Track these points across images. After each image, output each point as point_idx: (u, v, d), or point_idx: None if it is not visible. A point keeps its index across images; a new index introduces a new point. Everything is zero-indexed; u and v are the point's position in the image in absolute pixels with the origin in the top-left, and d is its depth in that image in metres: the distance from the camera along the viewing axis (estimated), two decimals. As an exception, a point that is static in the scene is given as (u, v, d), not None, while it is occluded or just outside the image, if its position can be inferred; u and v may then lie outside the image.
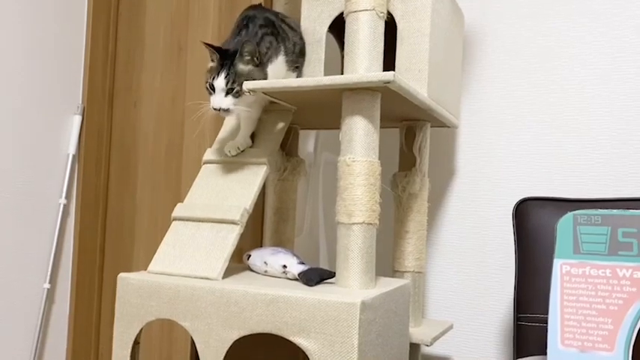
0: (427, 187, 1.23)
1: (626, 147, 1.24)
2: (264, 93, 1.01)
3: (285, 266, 1.01)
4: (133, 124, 1.89)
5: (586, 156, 1.27)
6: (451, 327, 1.29)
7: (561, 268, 0.73)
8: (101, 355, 1.98)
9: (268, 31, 1.07)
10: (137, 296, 0.96)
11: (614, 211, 0.71)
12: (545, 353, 0.78)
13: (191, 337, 1.18)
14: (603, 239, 0.71)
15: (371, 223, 0.94)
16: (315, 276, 0.96)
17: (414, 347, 1.17)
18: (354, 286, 0.91)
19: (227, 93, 1.00)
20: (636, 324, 0.68)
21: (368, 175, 0.93)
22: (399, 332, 0.99)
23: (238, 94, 1.01)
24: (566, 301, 0.71)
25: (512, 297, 1.06)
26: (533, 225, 1.04)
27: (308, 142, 1.53)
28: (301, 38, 1.14)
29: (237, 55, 1.00)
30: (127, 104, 1.91)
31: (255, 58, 1.01)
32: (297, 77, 1.12)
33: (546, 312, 0.88)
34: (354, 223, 0.93)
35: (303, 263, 1.01)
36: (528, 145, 1.33)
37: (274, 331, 0.85)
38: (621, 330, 0.68)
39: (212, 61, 1.04)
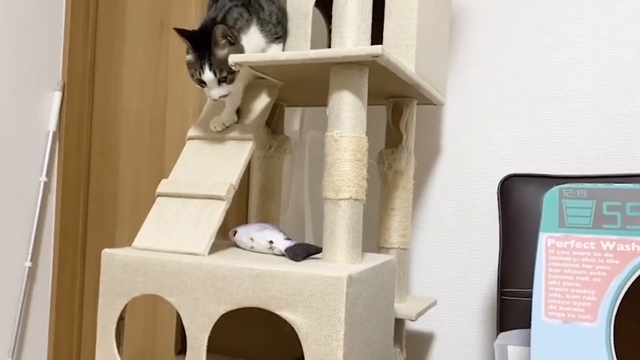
0: (413, 164, 1.23)
1: (610, 124, 1.25)
2: (251, 67, 0.99)
3: (271, 242, 1.01)
4: (115, 100, 1.86)
5: (571, 133, 1.28)
6: (435, 303, 1.31)
7: (546, 242, 0.73)
8: (85, 333, 1.97)
9: (238, 3, 1.04)
10: (122, 272, 0.95)
11: (600, 185, 0.72)
12: (528, 327, 0.79)
13: (177, 313, 1.18)
14: (588, 213, 0.71)
15: (358, 199, 0.94)
16: (301, 251, 0.96)
17: (399, 322, 1.18)
18: (341, 261, 0.92)
19: (219, 82, 0.99)
20: (619, 296, 0.69)
21: (355, 151, 0.92)
22: (384, 307, 1.00)
23: (232, 80, 1.00)
24: (551, 274, 0.72)
25: (496, 273, 1.07)
26: (518, 201, 1.05)
27: (294, 120, 1.52)
28: (280, 8, 1.10)
29: (212, 44, 0.97)
30: (108, 80, 1.87)
31: (229, 38, 0.99)
32: (282, 49, 1.11)
33: (530, 287, 0.90)
34: (341, 199, 0.93)
35: (289, 239, 1.01)
36: (513, 123, 1.34)
37: (261, 306, 0.85)
38: (604, 301, 0.69)
39: (187, 52, 1.01)
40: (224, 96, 1.01)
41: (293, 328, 0.83)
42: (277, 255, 1.00)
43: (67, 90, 1.83)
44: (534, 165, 1.29)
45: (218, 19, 1.00)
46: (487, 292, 1.35)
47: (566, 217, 0.73)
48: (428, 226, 1.42)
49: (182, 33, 0.99)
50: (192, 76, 1.01)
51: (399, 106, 1.21)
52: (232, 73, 1.00)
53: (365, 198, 0.95)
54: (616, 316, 0.70)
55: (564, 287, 0.72)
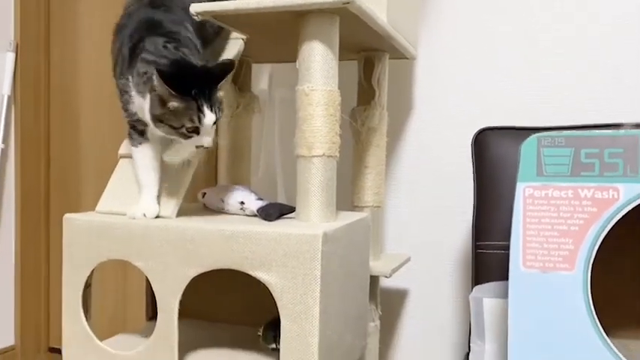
0: (386, 121, 1.21)
1: (585, 77, 1.24)
2: (214, 17, 0.93)
3: (242, 202, 0.98)
4: (73, 60, 1.76)
5: (546, 87, 1.27)
6: (409, 259, 1.31)
7: (524, 192, 0.72)
8: (52, 301, 1.93)
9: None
10: (86, 237, 0.91)
11: (578, 132, 0.70)
12: (504, 279, 0.78)
13: (147, 277, 1.15)
14: (566, 161, 0.70)
15: (331, 156, 0.91)
16: (274, 211, 0.93)
17: (374, 280, 1.17)
18: (315, 220, 0.89)
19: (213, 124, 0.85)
20: (596, 243, 0.69)
21: (327, 105, 0.89)
22: (359, 264, 0.99)
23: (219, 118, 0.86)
24: (529, 224, 0.71)
25: (471, 229, 1.06)
26: (493, 154, 1.04)
27: (261, 78, 1.47)
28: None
29: (216, 83, 0.84)
30: (64, 39, 1.77)
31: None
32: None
33: (505, 239, 0.89)
34: (314, 156, 0.89)
35: (261, 199, 0.98)
36: (486, 76, 1.32)
37: (233, 267, 0.83)
38: (581, 249, 0.69)
39: (166, 100, 0.80)
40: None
41: (266, 290, 0.81)
42: (249, 216, 0.97)
43: (20, 51, 1.72)
44: (509, 120, 1.27)
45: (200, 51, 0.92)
46: (462, 248, 1.35)
47: (544, 165, 0.71)
48: (401, 183, 1.41)
49: (164, 77, 0.79)
50: (179, 127, 0.82)
51: (370, 60, 1.18)
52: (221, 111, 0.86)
53: (338, 155, 0.92)
54: (593, 264, 0.70)
55: (542, 237, 0.71)
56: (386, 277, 1.14)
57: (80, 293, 0.92)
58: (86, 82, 1.75)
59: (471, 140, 1.10)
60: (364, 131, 1.18)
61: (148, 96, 0.83)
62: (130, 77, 0.87)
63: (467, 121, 1.32)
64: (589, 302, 0.69)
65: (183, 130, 0.83)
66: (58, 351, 1.96)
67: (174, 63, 0.83)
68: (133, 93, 0.87)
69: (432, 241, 1.38)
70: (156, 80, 0.79)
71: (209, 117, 0.83)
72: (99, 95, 1.73)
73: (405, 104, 1.39)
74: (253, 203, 0.96)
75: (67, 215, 0.93)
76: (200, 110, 0.82)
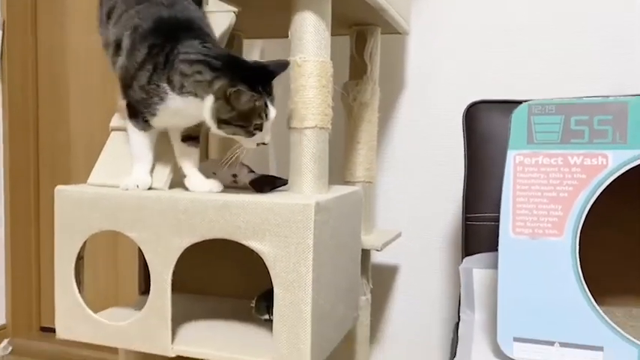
0: (378, 96, 1.21)
1: (579, 50, 1.24)
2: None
3: (235, 175, 0.98)
4: (61, 38, 1.74)
5: (538, 62, 1.27)
6: (400, 235, 1.32)
7: (514, 159, 0.73)
8: (43, 280, 1.92)
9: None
10: (77, 209, 0.90)
11: (568, 100, 0.71)
12: (494, 250, 0.80)
13: (139, 252, 1.15)
14: (556, 128, 0.71)
15: (323, 127, 0.91)
16: (267, 183, 0.93)
17: (365, 253, 1.18)
18: (307, 192, 0.90)
19: None
20: (585, 209, 0.70)
21: (320, 77, 0.89)
22: (351, 237, 1.00)
23: None
24: (519, 191, 0.72)
25: (461, 201, 1.07)
26: (483, 128, 1.05)
27: (253, 53, 1.46)
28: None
29: (271, 79, 0.83)
30: (52, 16, 1.75)
31: None
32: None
33: (495, 211, 0.90)
34: (306, 128, 0.89)
35: (253, 172, 0.98)
36: (478, 51, 1.32)
37: (226, 237, 0.83)
38: (570, 216, 0.70)
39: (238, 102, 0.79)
40: None
41: (259, 262, 0.81)
42: (242, 189, 0.97)
43: (7, 28, 1.70)
44: (501, 94, 1.28)
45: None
46: (453, 223, 1.36)
47: (534, 133, 0.72)
48: (393, 158, 1.41)
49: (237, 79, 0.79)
50: (248, 125, 0.81)
51: (362, 34, 1.17)
52: None
53: (330, 127, 0.92)
54: (582, 231, 0.71)
55: (532, 204, 0.72)
56: (377, 250, 1.15)
57: (72, 265, 0.92)
58: (75, 58, 1.73)
59: (462, 114, 1.11)
60: (356, 106, 1.19)
61: (208, 97, 0.80)
62: (166, 81, 0.83)
63: (459, 96, 1.32)
64: (577, 268, 0.70)
65: (251, 128, 0.81)
66: (50, 330, 1.96)
67: (232, 63, 0.82)
68: (172, 94, 0.83)
69: (423, 216, 1.39)
70: (227, 83, 0.78)
71: (272, 112, 0.82)
72: (87, 71, 1.72)
73: (396, 80, 1.39)
74: (245, 176, 0.96)
75: (59, 187, 0.92)
76: (266, 106, 0.81)
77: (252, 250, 0.81)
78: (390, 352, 1.46)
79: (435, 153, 1.36)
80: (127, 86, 0.88)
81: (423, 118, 1.37)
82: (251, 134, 0.82)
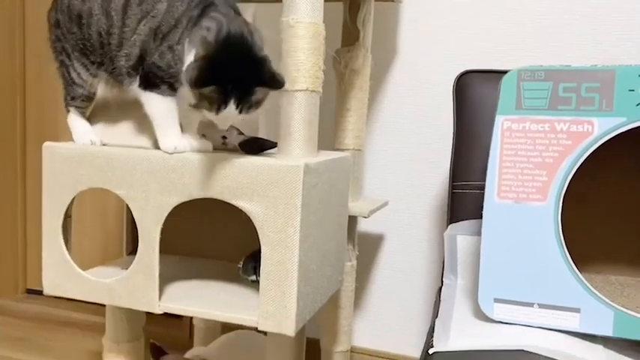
0: (369, 63, 1.21)
1: (572, 20, 1.24)
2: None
3: (224, 137, 0.98)
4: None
5: (530, 32, 1.28)
6: (386, 203, 1.33)
7: (502, 125, 0.74)
8: (29, 243, 1.92)
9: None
10: (66, 166, 0.90)
11: (557, 66, 0.72)
12: (478, 218, 0.81)
13: (127, 213, 1.15)
14: (545, 94, 0.72)
15: (314, 91, 0.91)
16: (256, 145, 0.93)
17: (352, 220, 1.19)
18: (297, 154, 0.90)
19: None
20: (568, 175, 0.71)
21: (312, 39, 0.88)
22: (339, 202, 1.00)
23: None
24: (505, 156, 0.73)
25: (449, 170, 1.09)
26: (474, 97, 1.05)
27: (245, 16, 1.44)
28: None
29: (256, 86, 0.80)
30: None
31: None
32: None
33: (481, 180, 0.91)
34: (297, 90, 0.89)
35: (243, 134, 0.98)
36: (470, 20, 1.32)
37: (215, 196, 0.83)
38: (554, 181, 0.71)
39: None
40: None
41: (247, 226, 0.82)
42: (231, 150, 0.97)
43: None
44: (493, 64, 1.28)
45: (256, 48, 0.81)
46: (440, 193, 1.38)
47: (523, 99, 0.73)
48: (382, 127, 1.42)
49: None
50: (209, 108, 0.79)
51: (356, 1, 1.16)
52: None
53: (321, 90, 0.92)
54: (567, 198, 0.72)
55: (517, 169, 0.73)
56: (364, 217, 1.16)
57: (60, 222, 0.92)
58: None
59: (452, 84, 1.11)
60: (347, 73, 1.18)
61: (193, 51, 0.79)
62: (188, 39, 0.82)
63: (450, 65, 1.33)
64: (559, 232, 0.72)
65: (212, 110, 0.80)
66: (36, 292, 1.97)
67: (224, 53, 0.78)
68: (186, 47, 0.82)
69: (411, 185, 1.40)
70: (196, 75, 0.75)
71: (229, 111, 0.79)
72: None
73: (389, 48, 1.39)
74: (235, 138, 0.96)
75: (47, 143, 0.92)
76: (225, 105, 0.78)
77: (241, 214, 0.82)
78: (374, 319, 1.48)
79: (425, 123, 1.37)
80: (150, 52, 0.85)
81: (413, 87, 1.38)
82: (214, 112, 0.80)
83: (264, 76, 0.80)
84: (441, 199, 1.38)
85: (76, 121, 0.94)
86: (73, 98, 0.93)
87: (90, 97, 0.93)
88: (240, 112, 0.80)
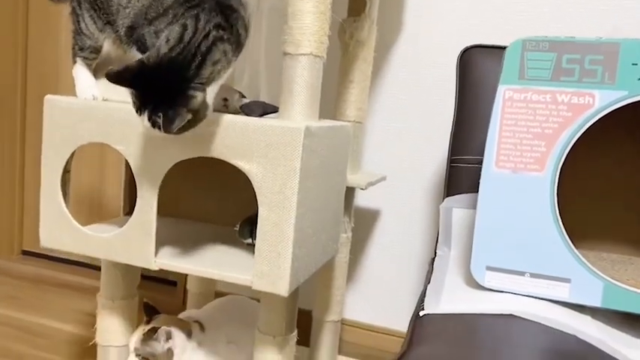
0: (374, 35, 1.20)
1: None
2: None
3: (226, 99, 0.98)
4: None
5: (537, 7, 1.27)
6: (384, 178, 1.34)
7: (504, 94, 0.74)
8: (26, 203, 1.92)
9: (219, 21, 0.82)
10: (66, 119, 0.90)
11: (562, 37, 0.72)
12: (475, 192, 0.81)
13: (125, 176, 1.15)
14: (548, 65, 0.72)
15: (318, 56, 0.90)
16: (257, 108, 0.94)
17: (349, 192, 1.20)
18: (298, 118, 0.90)
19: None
20: (567, 147, 0.72)
21: (318, 2, 0.88)
22: (337, 171, 1.01)
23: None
24: (505, 125, 0.74)
25: (448, 144, 1.09)
26: (477, 73, 1.05)
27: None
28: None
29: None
30: None
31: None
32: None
33: (480, 154, 0.92)
34: (301, 54, 0.89)
35: (244, 97, 0.98)
36: None
37: (215, 155, 0.84)
38: (552, 152, 0.72)
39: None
40: None
41: (245, 190, 0.82)
42: (232, 113, 0.97)
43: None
44: (498, 40, 1.28)
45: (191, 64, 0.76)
46: (437, 170, 1.39)
47: (526, 69, 0.73)
48: (384, 100, 1.42)
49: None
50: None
51: (363, -30, 1.16)
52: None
53: (325, 56, 0.92)
54: (566, 171, 0.73)
55: (517, 138, 0.73)
56: (362, 189, 1.17)
57: (59, 176, 0.92)
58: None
59: (456, 59, 1.11)
60: (352, 44, 1.18)
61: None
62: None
63: (455, 40, 1.32)
64: (554, 203, 0.73)
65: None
66: (32, 254, 1.98)
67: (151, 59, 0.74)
68: None
69: (410, 159, 1.41)
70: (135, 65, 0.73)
71: (143, 123, 0.75)
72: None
73: (394, 21, 1.38)
74: (236, 101, 0.97)
75: (49, 96, 0.92)
76: (140, 112, 0.75)
77: (239, 179, 0.82)
78: (365, 292, 1.50)
79: (427, 97, 1.37)
80: (139, 27, 0.84)
81: (417, 61, 1.37)
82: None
83: (172, 102, 0.74)
84: (439, 175, 1.39)
85: (81, 73, 0.94)
86: (81, 49, 0.93)
87: (97, 50, 0.93)
88: (153, 126, 0.75)
